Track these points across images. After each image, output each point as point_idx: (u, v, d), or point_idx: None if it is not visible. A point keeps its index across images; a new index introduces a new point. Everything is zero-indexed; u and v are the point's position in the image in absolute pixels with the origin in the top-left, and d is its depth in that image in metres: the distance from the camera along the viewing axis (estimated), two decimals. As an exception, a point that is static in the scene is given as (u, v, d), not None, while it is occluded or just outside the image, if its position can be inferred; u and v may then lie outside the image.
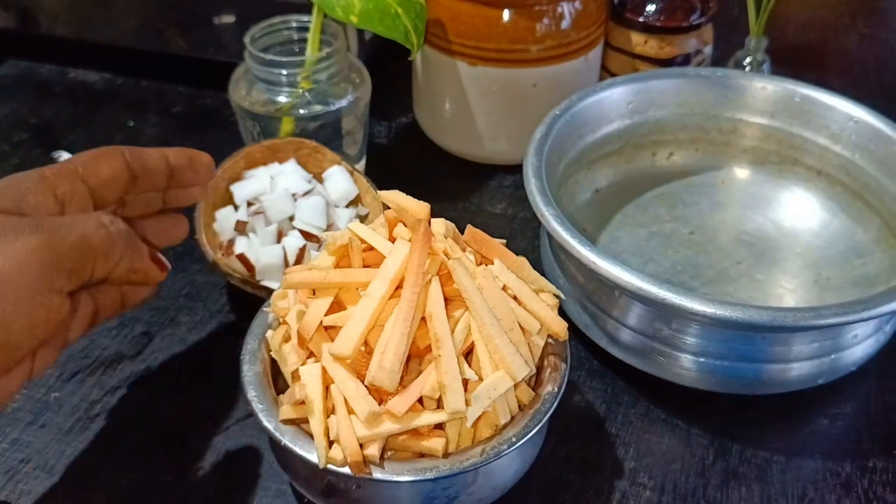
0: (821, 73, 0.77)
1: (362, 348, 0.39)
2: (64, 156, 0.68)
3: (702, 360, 0.48)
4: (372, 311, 0.39)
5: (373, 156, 0.68)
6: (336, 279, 0.41)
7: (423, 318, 0.40)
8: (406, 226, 0.42)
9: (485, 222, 0.63)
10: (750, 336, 0.47)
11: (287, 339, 0.42)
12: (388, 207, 0.43)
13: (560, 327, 0.42)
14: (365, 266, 0.42)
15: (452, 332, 0.40)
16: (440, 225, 0.42)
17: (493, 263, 0.43)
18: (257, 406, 0.41)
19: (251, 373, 0.42)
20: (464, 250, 0.43)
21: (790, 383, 0.49)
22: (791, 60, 0.79)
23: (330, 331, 0.41)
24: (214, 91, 0.76)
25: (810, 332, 0.46)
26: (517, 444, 0.40)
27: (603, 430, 0.49)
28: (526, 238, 0.62)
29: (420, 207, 0.42)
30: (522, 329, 0.41)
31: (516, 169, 0.66)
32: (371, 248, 0.42)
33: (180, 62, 0.76)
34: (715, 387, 0.49)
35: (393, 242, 0.42)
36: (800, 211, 0.60)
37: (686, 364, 0.49)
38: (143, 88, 0.77)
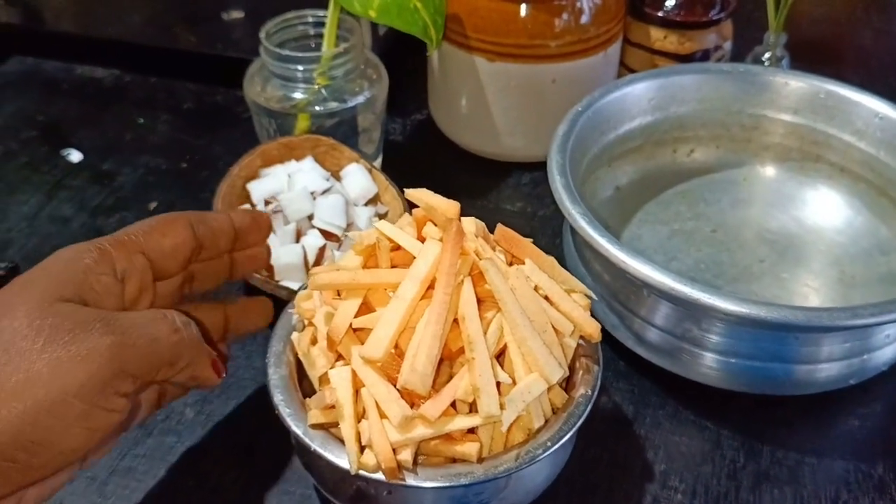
0: (837, 68, 0.76)
1: (393, 351, 0.39)
2: (73, 154, 0.67)
3: (732, 360, 0.47)
4: (403, 313, 0.38)
5: (387, 153, 0.67)
6: (365, 280, 0.40)
7: (455, 320, 0.39)
8: (436, 225, 0.41)
9: (504, 221, 0.60)
10: (782, 336, 0.46)
11: (314, 341, 0.41)
12: (414, 206, 0.42)
13: (593, 328, 0.41)
14: (392, 266, 0.41)
15: (485, 333, 0.39)
16: (471, 224, 0.42)
17: (523, 263, 0.42)
18: (284, 410, 0.40)
19: (277, 376, 0.41)
20: (493, 249, 0.42)
21: (821, 384, 0.48)
22: (807, 56, 0.78)
23: (359, 333, 0.40)
24: (225, 87, 0.74)
25: (843, 332, 0.45)
26: (552, 449, 0.39)
27: (631, 431, 0.48)
28: (546, 236, 0.61)
29: (449, 206, 0.41)
30: (555, 330, 0.41)
31: (534, 166, 0.66)
32: (398, 248, 0.41)
33: (189, 58, 0.74)
34: (745, 388, 0.48)
35: (422, 242, 0.41)
36: (823, 208, 0.60)
37: (715, 364, 0.48)
38: (151, 85, 0.76)
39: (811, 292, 0.55)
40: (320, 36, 0.60)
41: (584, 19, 0.61)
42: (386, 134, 0.70)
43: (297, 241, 0.54)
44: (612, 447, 0.47)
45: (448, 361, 0.39)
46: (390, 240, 0.41)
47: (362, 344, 0.39)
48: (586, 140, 0.56)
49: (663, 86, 0.59)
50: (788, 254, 0.58)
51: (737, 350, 0.47)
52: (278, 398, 0.40)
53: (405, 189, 0.42)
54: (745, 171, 0.62)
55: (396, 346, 0.39)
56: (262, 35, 0.59)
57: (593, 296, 0.43)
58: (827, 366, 0.47)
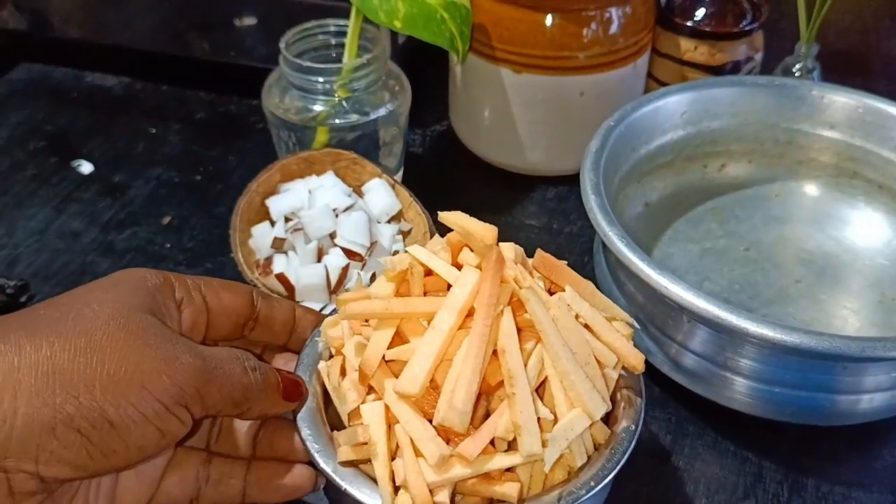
0: (866, 78, 0.75)
1: (429, 385, 0.37)
2: (84, 166, 0.65)
3: (774, 389, 0.45)
4: (440, 345, 0.36)
5: (408, 166, 0.65)
6: (398, 309, 0.38)
7: (494, 352, 0.37)
8: (472, 250, 0.39)
9: (528, 238, 0.61)
10: (829, 366, 0.44)
11: (344, 372, 0.39)
12: (438, 222, 0.40)
13: (637, 360, 0.39)
14: (424, 293, 0.39)
15: (525, 366, 0.37)
16: (509, 250, 0.40)
17: (562, 290, 0.40)
18: (312, 446, 0.38)
19: (304, 410, 0.39)
20: (531, 275, 0.40)
21: (866, 414, 0.46)
22: (835, 66, 0.76)
23: (391, 364, 0.38)
24: (238, 96, 0.73)
25: (890, 363, 0.43)
26: (596, 489, 0.37)
27: (669, 463, 0.46)
28: (573, 254, 0.59)
29: (487, 231, 0.39)
30: (598, 362, 0.39)
31: (559, 180, 0.64)
32: (430, 273, 0.39)
33: (201, 66, 0.72)
34: (786, 417, 0.46)
35: (458, 268, 0.39)
36: (860, 226, 0.58)
37: (755, 392, 0.46)
38: (163, 94, 0.74)
39: (850, 315, 0.53)
40: (341, 46, 0.58)
41: (612, 30, 0.59)
42: (406, 146, 0.68)
43: (319, 260, 0.52)
44: (651, 481, 0.45)
45: (486, 396, 0.37)
46: (423, 265, 0.39)
47: (395, 377, 0.37)
48: (619, 156, 0.54)
49: (697, 99, 0.57)
50: (826, 274, 0.56)
51: (779, 378, 0.45)
52: (306, 433, 0.38)
53: (438, 212, 0.40)
54: (778, 187, 0.60)
55: (432, 380, 0.37)
56: (281, 45, 0.57)
57: (635, 324, 0.41)
58: (873, 396, 0.45)
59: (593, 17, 0.58)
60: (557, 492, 0.37)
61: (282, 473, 0.39)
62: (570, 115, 0.61)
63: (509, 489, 0.36)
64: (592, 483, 0.37)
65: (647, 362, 0.49)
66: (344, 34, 0.58)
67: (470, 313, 0.37)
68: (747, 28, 0.62)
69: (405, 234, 0.55)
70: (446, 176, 0.66)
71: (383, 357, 0.37)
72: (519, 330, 0.38)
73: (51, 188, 0.64)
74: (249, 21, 0.79)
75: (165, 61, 0.74)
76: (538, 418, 0.36)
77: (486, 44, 0.59)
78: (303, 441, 0.38)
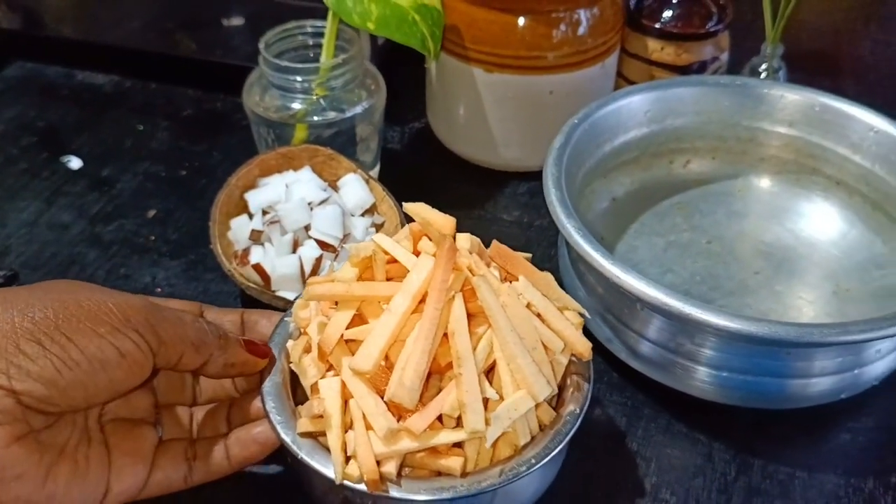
0: (835, 79, 0.77)
1: (383, 363, 0.39)
2: (73, 161, 0.68)
3: (724, 374, 0.48)
4: (393, 327, 0.39)
5: (385, 162, 0.67)
6: (359, 292, 0.40)
7: (445, 335, 0.39)
8: (431, 239, 0.42)
9: (500, 231, 0.63)
10: (774, 351, 0.46)
11: (308, 350, 0.41)
12: (412, 219, 0.43)
13: (584, 347, 0.42)
14: (388, 279, 0.42)
15: (474, 349, 0.39)
16: (465, 240, 0.42)
17: (517, 279, 0.42)
18: (275, 418, 0.40)
19: (270, 383, 0.41)
20: (488, 265, 0.42)
21: (812, 398, 0.48)
22: (805, 67, 0.78)
23: (350, 344, 0.40)
24: (224, 94, 0.75)
25: (835, 348, 0.46)
26: (536, 467, 0.39)
27: (624, 444, 0.49)
28: (542, 247, 0.61)
29: (445, 221, 0.41)
30: (546, 348, 0.41)
31: (531, 176, 0.66)
32: (394, 261, 0.42)
33: (189, 64, 0.75)
34: (737, 401, 0.49)
35: (417, 256, 0.41)
36: (818, 221, 0.60)
37: (708, 378, 0.48)
38: (151, 91, 0.76)
39: (806, 305, 0.55)
40: (319, 46, 0.61)
41: (581, 31, 0.61)
42: (384, 142, 0.70)
43: (294, 251, 0.54)
44: (605, 460, 0.48)
45: (437, 375, 0.40)
46: (386, 252, 0.41)
47: (353, 355, 0.39)
48: (582, 152, 0.56)
49: (660, 98, 0.60)
50: (784, 267, 0.58)
51: (729, 364, 0.47)
52: (270, 405, 0.41)
53: (403, 202, 0.42)
54: (741, 182, 0.63)
55: (386, 359, 0.39)
56: (261, 45, 0.59)
57: (586, 314, 0.43)
58: (818, 380, 0.48)
59: (563, 18, 0.60)
60: (500, 467, 0.39)
61: (255, 426, 0.42)
62: (541, 113, 0.63)
63: (453, 462, 0.38)
64: (533, 460, 0.39)
65: (606, 349, 0.52)
66: (321, 35, 0.60)
67: (424, 298, 0.39)
68: (712, 29, 0.65)
69: (378, 227, 0.57)
70: (423, 172, 0.68)
71: (342, 336, 0.40)
72: (471, 315, 0.40)
73: (41, 182, 0.66)
74: (237, 21, 0.81)
75: (154, 60, 0.76)
76: (485, 398, 0.39)
77: (459, 44, 0.62)
78: (266, 413, 0.40)
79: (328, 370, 0.41)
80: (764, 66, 0.68)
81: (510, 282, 0.42)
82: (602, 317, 0.52)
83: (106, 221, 0.62)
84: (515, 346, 0.39)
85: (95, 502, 0.38)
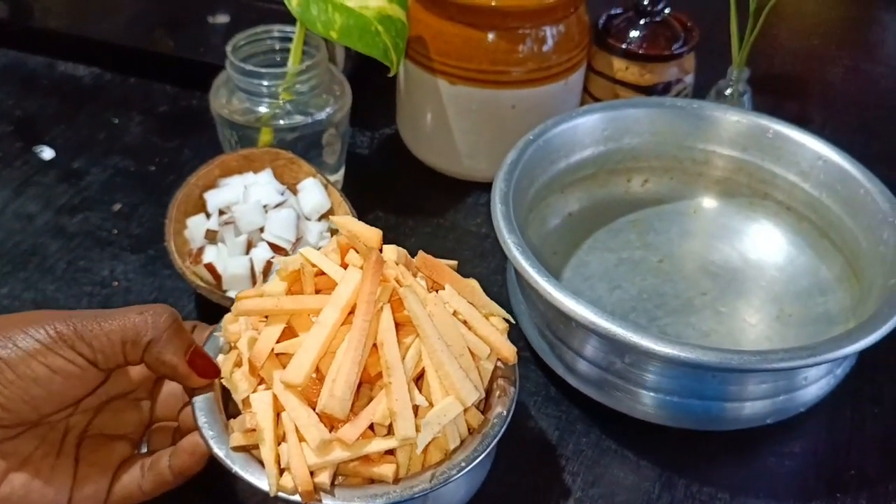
0: (803, 104, 0.78)
1: (314, 375, 0.40)
2: (46, 152, 0.69)
3: (653, 394, 0.49)
4: (323, 339, 0.40)
5: (353, 166, 0.68)
6: (288, 306, 0.41)
7: (375, 345, 0.40)
8: (358, 252, 0.43)
9: (458, 239, 0.64)
10: (700, 374, 0.47)
11: (238, 364, 0.42)
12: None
13: (509, 352, 0.43)
14: (317, 291, 0.43)
15: (403, 358, 0.40)
16: (392, 252, 0.43)
17: (443, 288, 0.43)
18: (207, 432, 0.41)
19: (202, 398, 0.42)
20: (415, 275, 0.44)
21: (739, 421, 0.50)
22: (775, 89, 0.79)
23: (281, 357, 0.41)
24: (201, 92, 0.76)
25: (760, 374, 0.47)
26: (466, 469, 0.41)
27: (554, 457, 0.50)
28: (496, 258, 0.62)
29: (372, 234, 0.42)
30: (472, 354, 0.42)
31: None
32: (323, 274, 0.43)
33: (168, 61, 0.76)
34: (666, 421, 0.50)
35: (345, 268, 0.42)
36: (768, 245, 0.61)
37: (639, 397, 0.49)
38: (130, 85, 0.77)
39: (748, 328, 0.56)
40: (286, 51, 0.62)
41: (545, 48, 0.62)
42: (353, 147, 0.72)
43: (248, 252, 0.55)
44: (534, 471, 0.49)
45: (368, 385, 0.41)
46: (314, 265, 0.43)
47: (284, 368, 0.40)
48: (535, 168, 0.58)
49: (617, 118, 0.61)
50: (731, 288, 0.59)
51: (659, 385, 0.48)
52: (202, 420, 0.42)
53: (331, 216, 0.43)
54: (696, 203, 0.64)
55: (318, 371, 0.40)
56: (228, 48, 0.60)
57: (511, 319, 0.44)
58: (745, 404, 0.49)
59: (528, 34, 0.61)
60: (431, 472, 0.40)
61: (189, 436, 0.43)
62: (503, 126, 0.64)
63: (386, 470, 0.40)
64: (463, 464, 0.41)
65: (545, 363, 0.53)
66: (288, 39, 0.61)
67: (353, 310, 0.41)
68: (677, 51, 0.66)
69: (334, 232, 0.58)
70: (388, 178, 0.69)
71: (273, 350, 0.41)
72: (400, 325, 0.41)
73: (13, 171, 0.67)
74: (222, 19, 0.82)
75: (134, 54, 0.77)
76: (415, 405, 0.40)
77: (425, 55, 0.63)
78: (199, 428, 0.42)
79: (259, 384, 0.42)
80: (729, 90, 0.69)
81: (437, 291, 0.43)
82: (541, 332, 0.53)
83: (72, 213, 0.64)
84: (443, 353, 0.40)
85: None
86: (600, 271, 0.60)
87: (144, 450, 0.45)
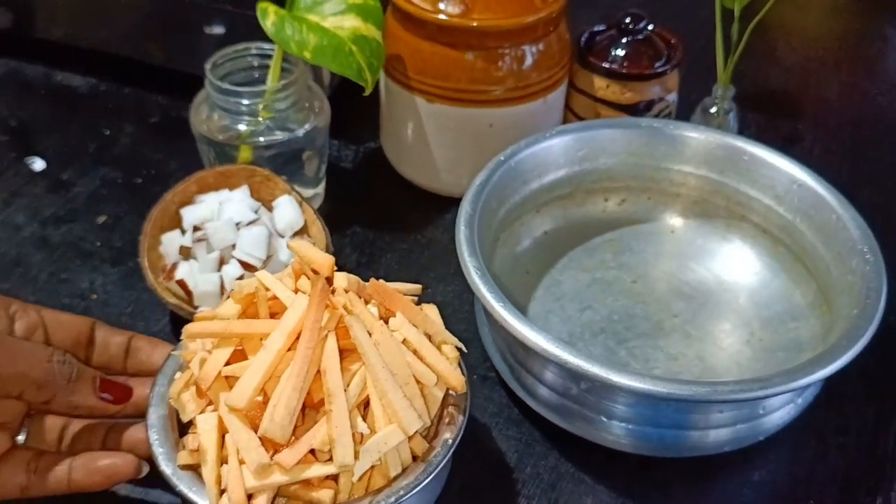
0: (794, 122, 0.77)
1: (260, 399, 0.41)
2: (37, 163, 0.70)
3: (609, 420, 0.49)
4: (268, 364, 0.41)
5: (336, 180, 0.69)
6: (237, 330, 0.42)
7: (319, 371, 0.41)
8: (309, 278, 0.43)
9: (434, 255, 0.64)
10: (653, 402, 0.47)
11: (190, 384, 0.43)
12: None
13: (457, 381, 0.43)
14: (272, 314, 0.44)
15: (348, 385, 0.41)
16: (342, 279, 0.44)
17: (394, 316, 0.44)
18: (157, 449, 0.42)
19: (155, 415, 0.43)
20: (367, 302, 0.44)
21: (696, 448, 0.49)
22: (766, 106, 0.78)
23: (230, 380, 0.42)
24: (191, 103, 0.77)
25: (712, 405, 0.47)
26: (405, 497, 0.41)
27: (510, 480, 0.50)
28: (470, 276, 0.62)
29: (324, 260, 0.43)
30: (419, 382, 0.42)
31: (472, 204, 0.67)
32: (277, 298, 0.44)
33: (158, 71, 0.77)
34: (623, 447, 0.50)
35: (297, 293, 0.43)
36: (743, 267, 0.61)
37: (595, 423, 0.50)
38: (124, 95, 0.79)
39: (717, 351, 0.56)
40: (264, 67, 0.63)
41: (525, 66, 0.62)
42: (337, 161, 0.72)
43: (220, 269, 0.56)
44: (488, 494, 0.49)
45: (312, 410, 0.42)
46: (268, 289, 0.43)
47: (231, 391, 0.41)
48: (506, 189, 0.58)
49: (593, 138, 0.61)
50: (703, 311, 0.59)
51: (613, 412, 0.48)
52: (153, 437, 0.43)
53: (287, 241, 0.44)
54: (673, 223, 0.63)
55: (263, 394, 0.41)
56: (207, 67, 0.61)
57: (463, 348, 0.45)
58: (701, 432, 0.49)
59: (506, 54, 0.61)
60: (369, 499, 0.41)
61: (106, 456, 0.43)
62: (481, 144, 0.64)
63: (324, 495, 0.40)
64: (402, 492, 0.41)
65: (505, 385, 0.53)
66: (266, 56, 0.62)
67: (300, 336, 0.41)
68: (659, 70, 0.65)
69: (308, 249, 0.59)
70: (369, 192, 0.70)
71: (220, 373, 0.42)
72: (347, 352, 0.42)
73: (4, 182, 0.69)
74: (218, 30, 0.83)
75: (128, 64, 0.78)
76: (358, 432, 0.40)
77: (403, 73, 0.63)
78: (150, 444, 0.43)
79: (209, 405, 0.42)
80: (714, 108, 0.69)
81: (390, 317, 0.44)
82: (502, 354, 0.53)
83: (56, 225, 0.65)
84: (386, 381, 0.41)
85: None
86: (572, 291, 0.60)
87: (22, 437, 0.45)
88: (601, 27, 0.68)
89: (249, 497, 0.40)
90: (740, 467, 0.51)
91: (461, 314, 0.59)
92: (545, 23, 0.62)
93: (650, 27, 0.66)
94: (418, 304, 0.47)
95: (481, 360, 0.56)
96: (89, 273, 0.61)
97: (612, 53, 0.66)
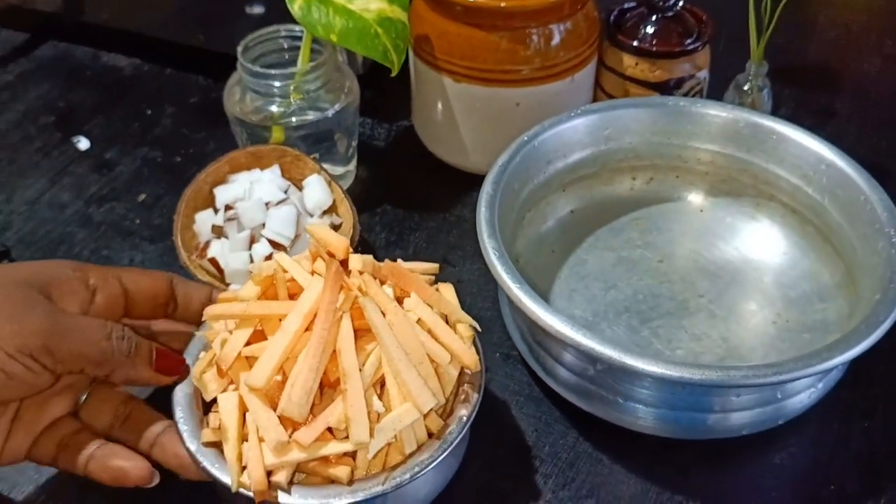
0: (831, 96, 0.75)
1: (278, 378, 0.42)
2: (83, 142, 0.73)
3: (627, 402, 0.49)
4: (285, 345, 0.42)
5: (367, 159, 0.70)
6: (256, 311, 0.44)
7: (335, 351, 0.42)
8: (325, 260, 0.45)
9: (463, 233, 0.65)
10: (670, 385, 0.47)
11: (212, 364, 0.45)
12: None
13: (471, 360, 0.44)
14: (291, 296, 0.45)
15: (364, 364, 0.42)
16: (357, 261, 0.45)
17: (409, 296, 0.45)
18: (182, 427, 0.44)
19: (181, 393, 0.45)
20: (384, 283, 0.45)
21: (714, 431, 0.50)
22: (803, 80, 0.77)
23: (250, 360, 0.44)
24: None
25: (727, 389, 0.47)
26: (420, 474, 0.42)
27: (528, 458, 0.51)
28: (496, 255, 0.63)
29: (339, 243, 0.44)
30: (434, 361, 0.43)
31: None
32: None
33: (199, 53, 0.79)
34: (641, 428, 0.50)
35: (313, 276, 0.44)
36: (770, 246, 0.60)
37: (613, 404, 0.50)
38: (166, 77, 0.81)
39: (742, 331, 0.56)
40: (294, 49, 0.64)
41: (551, 46, 0.62)
42: (370, 139, 0.73)
43: (251, 246, 0.58)
44: (505, 471, 0.50)
45: (330, 389, 0.43)
46: (286, 271, 0.45)
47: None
48: (529, 169, 0.58)
49: (617, 117, 0.61)
50: (729, 291, 0.58)
51: (630, 393, 0.49)
52: (178, 415, 0.45)
53: (306, 225, 0.45)
54: (701, 202, 0.63)
55: (283, 374, 0.43)
56: (238, 50, 0.62)
57: (478, 327, 0.46)
58: (719, 416, 0.49)
59: (533, 33, 0.61)
60: (384, 475, 0.42)
61: (123, 457, 0.44)
62: (508, 123, 0.64)
63: (340, 471, 0.42)
64: (417, 468, 0.42)
65: (526, 364, 0.54)
66: (296, 38, 0.63)
67: (316, 317, 0.43)
68: (689, 48, 0.64)
69: (336, 228, 0.60)
70: (400, 170, 0.71)
71: (240, 353, 0.43)
72: (363, 332, 0.43)
73: (51, 161, 0.72)
74: (258, 9, 0.85)
75: (170, 47, 0.80)
76: (373, 411, 0.42)
77: (430, 53, 0.64)
78: (175, 423, 0.44)
79: (230, 384, 0.44)
80: (748, 85, 0.68)
81: (405, 298, 0.45)
82: (522, 334, 0.54)
83: (99, 203, 0.68)
84: (400, 361, 0.42)
85: None
86: (597, 270, 0.60)
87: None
88: (631, 4, 0.68)
89: (269, 473, 0.41)
90: (761, 450, 0.51)
91: (486, 293, 0.60)
92: (572, 2, 0.61)
93: (680, 4, 0.65)
94: (438, 282, 0.48)
95: (504, 339, 0.57)
96: (129, 250, 0.64)
97: (642, 31, 0.65)
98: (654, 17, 0.65)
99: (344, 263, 0.44)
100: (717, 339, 0.56)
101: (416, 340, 0.43)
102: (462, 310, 0.46)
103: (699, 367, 0.44)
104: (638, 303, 0.58)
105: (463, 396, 0.45)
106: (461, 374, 0.45)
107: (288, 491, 0.41)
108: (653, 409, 0.49)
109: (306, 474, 0.43)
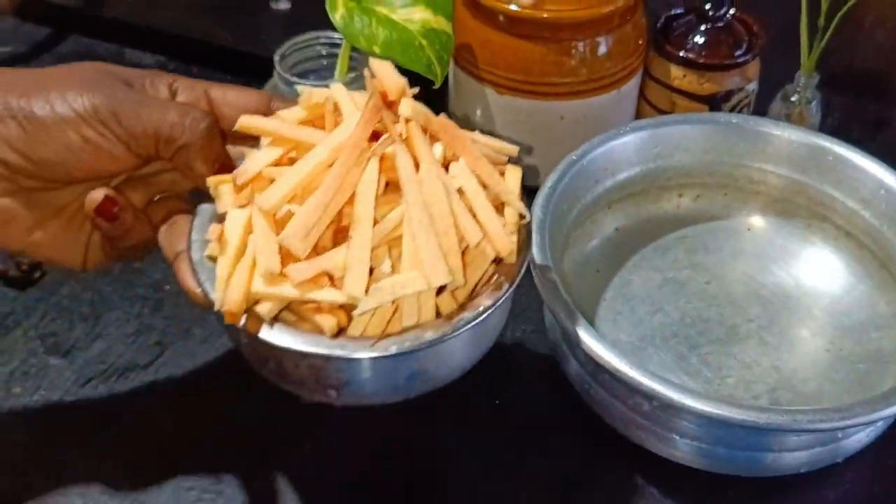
0: (885, 104, 0.73)
1: (293, 209, 0.38)
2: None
3: (682, 438, 0.48)
4: (304, 174, 0.38)
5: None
6: (287, 133, 0.40)
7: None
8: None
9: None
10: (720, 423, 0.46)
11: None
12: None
13: (503, 246, 0.39)
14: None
15: (382, 217, 0.38)
16: (408, 106, 0.39)
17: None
18: (194, 236, 0.41)
19: (207, 206, 0.42)
20: (434, 140, 0.40)
21: (769, 469, 0.48)
22: (853, 88, 0.74)
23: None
24: (258, 82, 0.76)
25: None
26: (411, 351, 0.38)
27: (580, 492, 0.50)
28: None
29: (395, 83, 0.39)
30: (463, 238, 0.38)
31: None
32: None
33: (223, 52, 0.77)
34: (693, 464, 0.49)
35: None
36: (824, 271, 0.58)
37: (664, 438, 0.49)
38: (191, 75, 0.77)
39: (793, 360, 0.54)
40: (332, 56, 0.62)
41: (598, 58, 0.60)
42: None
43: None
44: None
45: (344, 235, 0.38)
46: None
47: None
48: (578, 189, 0.56)
49: (668, 134, 0.59)
50: (781, 316, 0.57)
51: (683, 430, 0.47)
52: (196, 223, 0.41)
53: (370, 58, 0.40)
54: (751, 221, 0.61)
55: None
56: (276, 58, 0.60)
57: (528, 215, 0.41)
58: (774, 455, 0.47)
59: (580, 45, 0.59)
60: (371, 340, 0.38)
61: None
62: (552, 135, 0.62)
63: (326, 321, 0.38)
64: (407, 343, 0.38)
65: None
66: (333, 45, 0.61)
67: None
68: (740, 60, 0.62)
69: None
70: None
71: (261, 173, 0.39)
72: (395, 186, 0.39)
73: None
74: (284, 5, 0.83)
75: (193, 44, 0.78)
76: (379, 269, 0.37)
77: (472, 62, 0.62)
78: (190, 229, 0.41)
79: (248, 204, 0.40)
80: (796, 97, 0.66)
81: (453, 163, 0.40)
82: (565, 355, 0.52)
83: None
84: (420, 224, 0.37)
85: (75, 262, 0.44)
86: (643, 292, 0.58)
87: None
88: (679, 10, 0.65)
89: (256, 302, 0.37)
90: (816, 486, 0.49)
91: (529, 314, 0.59)
92: (622, 12, 0.59)
93: (731, 12, 0.63)
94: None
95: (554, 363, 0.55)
96: (162, 264, 0.62)
97: (690, 41, 0.63)
98: (703, 27, 0.63)
99: (393, 106, 0.39)
100: (767, 368, 0.54)
101: (447, 208, 0.38)
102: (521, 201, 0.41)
103: (764, 411, 0.43)
104: (686, 327, 0.56)
105: (492, 286, 0.39)
106: (499, 263, 0.40)
107: (270, 325, 0.37)
108: (705, 445, 0.48)
109: (297, 318, 0.38)
